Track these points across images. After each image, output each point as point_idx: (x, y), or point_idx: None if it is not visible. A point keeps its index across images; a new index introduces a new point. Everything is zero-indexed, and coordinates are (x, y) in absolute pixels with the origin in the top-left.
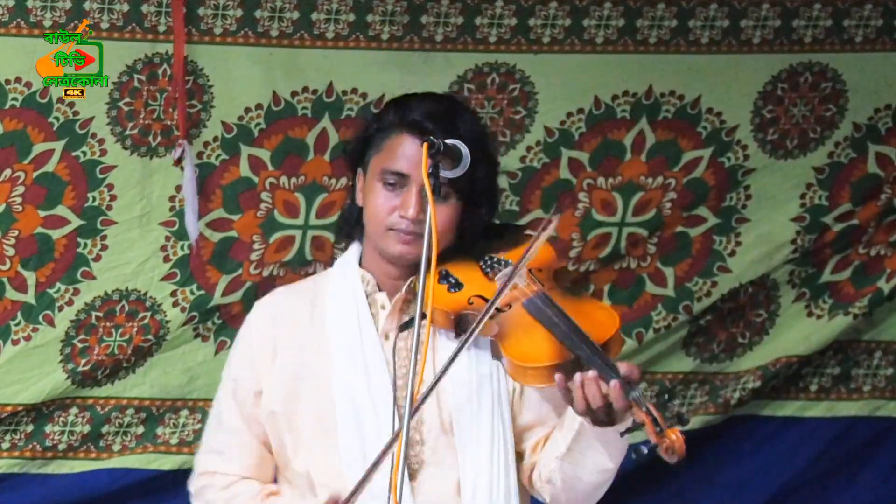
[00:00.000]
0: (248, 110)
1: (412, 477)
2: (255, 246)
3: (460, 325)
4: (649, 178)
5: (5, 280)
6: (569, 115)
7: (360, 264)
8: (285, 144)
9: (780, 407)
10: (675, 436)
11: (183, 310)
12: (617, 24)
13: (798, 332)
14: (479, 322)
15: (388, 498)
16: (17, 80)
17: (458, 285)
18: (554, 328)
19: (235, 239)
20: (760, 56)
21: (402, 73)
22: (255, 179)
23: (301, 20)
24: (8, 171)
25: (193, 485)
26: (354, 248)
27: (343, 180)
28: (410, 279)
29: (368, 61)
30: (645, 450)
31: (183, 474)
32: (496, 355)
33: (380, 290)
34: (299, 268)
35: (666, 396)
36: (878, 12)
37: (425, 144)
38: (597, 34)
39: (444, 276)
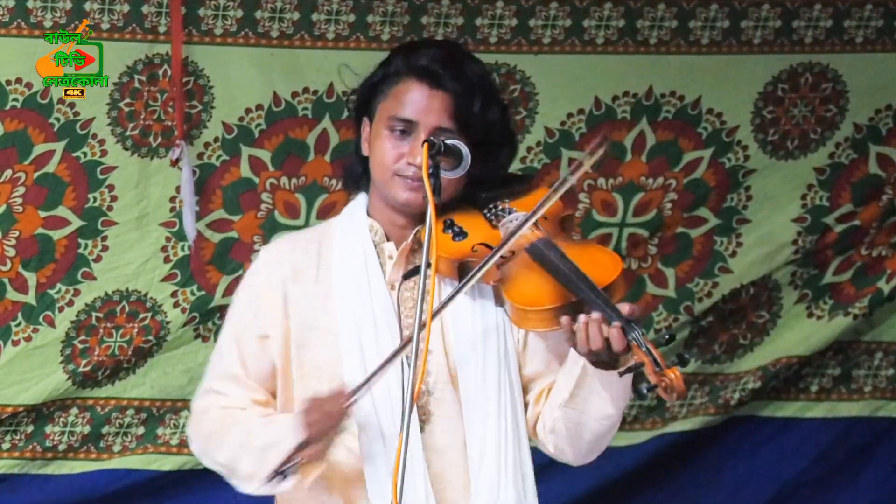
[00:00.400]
0: (248, 111)
1: (421, 429)
2: (256, 247)
3: (463, 273)
4: (650, 178)
5: (6, 281)
6: (569, 115)
7: (368, 214)
8: (286, 145)
9: (780, 408)
10: (673, 375)
11: (183, 310)
12: (617, 25)
13: (798, 332)
14: (480, 268)
15: (402, 449)
16: (18, 80)
17: (462, 234)
18: (555, 271)
19: (236, 240)
20: (761, 56)
21: None
22: (256, 180)
23: (301, 21)
24: (9, 172)
25: (190, 427)
26: (361, 198)
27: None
28: (417, 229)
29: (369, 62)
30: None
31: (184, 475)
32: (499, 302)
33: (388, 239)
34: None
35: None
36: (879, 13)
37: (425, 145)
38: (597, 35)
39: (448, 225)
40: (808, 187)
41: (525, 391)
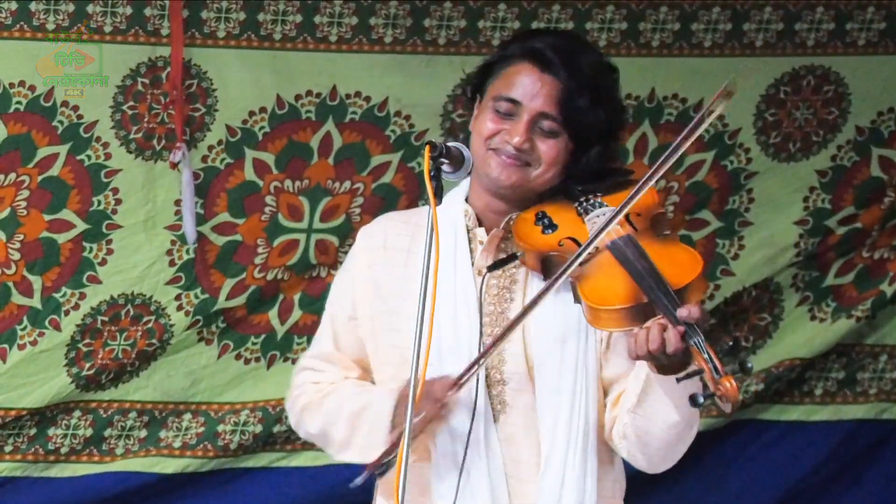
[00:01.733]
0: (251, 114)
1: (495, 419)
2: (260, 250)
3: (546, 267)
4: None
5: (11, 284)
6: None
7: (466, 200)
8: (289, 148)
9: (785, 411)
10: (729, 384)
11: (187, 313)
12: (619, 28)
13: (801, 335)
14: (566, 267)
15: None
16: (21, 83)
17: (551, 226)
18: (632, 270)
19: (240, 243)
20: (763, 59)
21: (405, 76)
22: (260, 183)
23: (304, 23)
24: (13, 175)
25: (287, 401)
26: (465, 182)
27: (347, 184)
28: (509, 216)
29: (372, 64)
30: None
31: (186, 478)
32: (576, 299)
33: (480, 224)
34: (303, 271)
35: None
36: (881, 15)
37: (427, 147)
38: (599, 37)
39: (539, 217)
40: (810, 190)
41: (606, 393)
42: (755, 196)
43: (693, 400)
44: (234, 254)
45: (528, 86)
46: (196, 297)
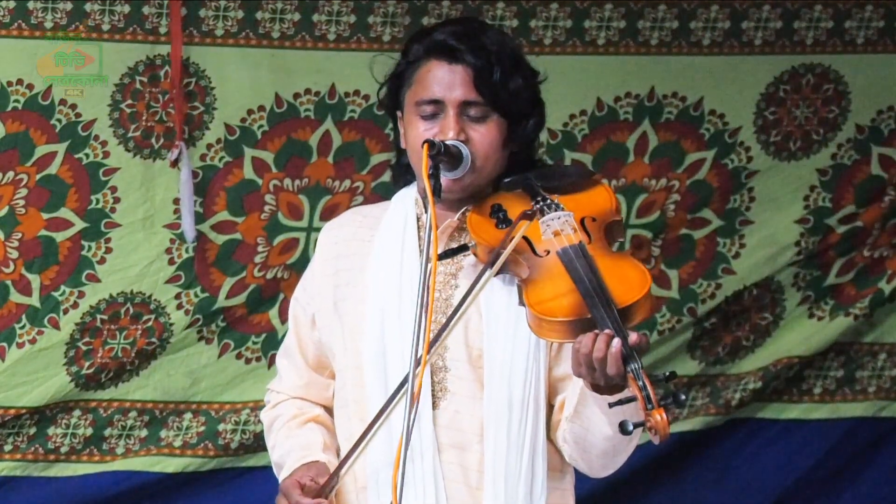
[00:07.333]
0: (250, 112)
1: (433, 405)
2: (260, 248)
3: (495, 263)
4: (653, 179)
5: (9, 283)
6: (571, 116)
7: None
8: (288, 146)
9: (784, 409)
10: (660, 416)
11: (187, 312)
12: (618, 26)
13: (799, 333)
14: (476, 281)
15: (403, 432)
16: (19, 82)
17: (506, 221)
18: (579, 282)
19: (240, 241)
20: (762, 58)
21: None
22: (259, 182)
23: (302, 22)
24: (11, 174)
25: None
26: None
27: (347, 182)
28: (465, 208)
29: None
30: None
31: (187, 477)
32: (521, 302)
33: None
34: (304, 270)
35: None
36: (880, 14)
37: (425, 146)
38: (598, 35)
39: (494, 210)
40: (811, 188)
41: (554, 392)
42: (756, 195)
43: (622, 427)
44: (234, 252)
45: (442, 81)
46: (196, 295)
